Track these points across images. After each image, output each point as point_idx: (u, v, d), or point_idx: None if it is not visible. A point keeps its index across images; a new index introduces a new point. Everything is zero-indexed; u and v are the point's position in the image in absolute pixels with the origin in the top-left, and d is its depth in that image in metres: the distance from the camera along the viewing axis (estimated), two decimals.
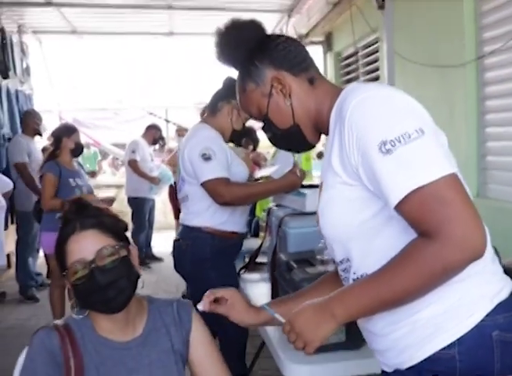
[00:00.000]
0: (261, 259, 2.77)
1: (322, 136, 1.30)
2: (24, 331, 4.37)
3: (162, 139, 6.80)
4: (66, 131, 4.01)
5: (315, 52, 6.11)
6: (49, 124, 5.85)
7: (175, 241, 2.53)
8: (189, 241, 2.44)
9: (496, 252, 1.16)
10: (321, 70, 1.33)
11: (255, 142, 5.50)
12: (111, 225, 1.31)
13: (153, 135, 6.39)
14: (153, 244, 6.74)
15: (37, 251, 5.63)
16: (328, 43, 6.21)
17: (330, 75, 6.09)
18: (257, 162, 5.19)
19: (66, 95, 10.82)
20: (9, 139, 5.43)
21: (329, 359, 1.64)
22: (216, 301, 1.33)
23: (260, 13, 5.40)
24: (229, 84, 2.47)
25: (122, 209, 6.44)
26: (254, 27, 1.28)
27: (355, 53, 5.34)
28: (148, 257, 6.48)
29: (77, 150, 4.03)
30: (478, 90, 3.15)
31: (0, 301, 5.14)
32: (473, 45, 3.15)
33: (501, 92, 3.00)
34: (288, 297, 1.46)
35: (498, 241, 1.19)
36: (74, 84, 13.23)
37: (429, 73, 3.41)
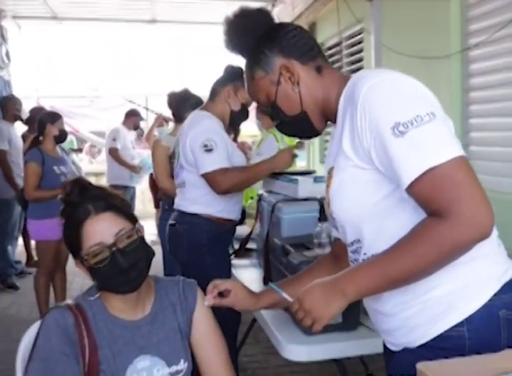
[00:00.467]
0: (250, 245, 2.80)
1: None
2: (4, 320, 4.33)
3: (139, 128, 6.71)
4: (50, 118, 3.93)
5: None
6: (27, 111, 5.75)
7: (171, 225, 2.54)
8: (186, 226, 2.46)
9: None
10: None
11: (236, 131, 5.50)
12: (122, 207, 1.32)
13: (134, 121, 6.31)
14: None
15: (17, 239, 5.57)
16: (311, 33, 6.23)
17: None
18: (242, 151, 5.19)
19: (44, 81, 10.64)
20: None
21: (326, 340, 1.69)
22: (220, 294, 1.38)
23: (244, 2, 5.27)
24: (227, 70, 2.52)
25: None
26: (262, 15, 1.30)
27: (339, 43, 5.37)
28: None
29: (61, 136, 3.95)
30: (463, 81, 3.20)
31: None
32: (458, 37, 3.19)
33: (485, 83, 3.05)
34: (288, 279, 1.50)
35: None
36: (53, 71, 13.03)
37: (415, 64, 3.45)
